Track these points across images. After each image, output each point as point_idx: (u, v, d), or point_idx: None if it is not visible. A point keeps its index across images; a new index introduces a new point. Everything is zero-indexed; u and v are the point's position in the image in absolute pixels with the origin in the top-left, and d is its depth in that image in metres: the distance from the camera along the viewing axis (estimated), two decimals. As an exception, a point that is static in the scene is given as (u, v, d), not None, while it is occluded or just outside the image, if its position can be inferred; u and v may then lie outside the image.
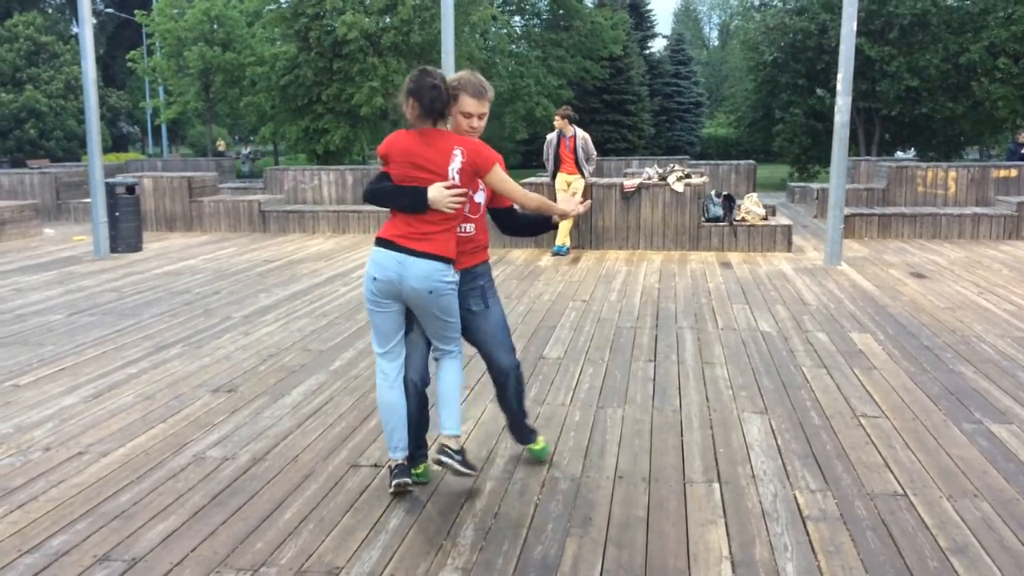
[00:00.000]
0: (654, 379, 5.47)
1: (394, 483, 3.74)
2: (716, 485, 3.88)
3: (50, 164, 23.85)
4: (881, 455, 4.19)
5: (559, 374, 5.59)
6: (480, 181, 3.72)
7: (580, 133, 10.56)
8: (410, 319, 3.82)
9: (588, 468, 4.09)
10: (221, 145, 34.52)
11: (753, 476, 3.96)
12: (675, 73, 43.19)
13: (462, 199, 3.60)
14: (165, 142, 36.92)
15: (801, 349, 6.12)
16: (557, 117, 10.53)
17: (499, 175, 3.66)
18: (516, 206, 3.95)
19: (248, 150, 33.60)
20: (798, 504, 3.67)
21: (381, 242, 3.66)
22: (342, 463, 4.18)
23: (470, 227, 3.80)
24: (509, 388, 4.00)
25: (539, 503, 3.73)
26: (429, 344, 3.89)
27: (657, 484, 3.89)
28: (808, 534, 3.40)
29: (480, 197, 3.83)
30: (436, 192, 3.54)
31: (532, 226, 4.07)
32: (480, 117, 3.69)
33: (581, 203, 3.91)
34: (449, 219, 3.61)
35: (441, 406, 3.82)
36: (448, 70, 10.10)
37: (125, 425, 4.70)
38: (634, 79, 37.56)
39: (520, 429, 4.16)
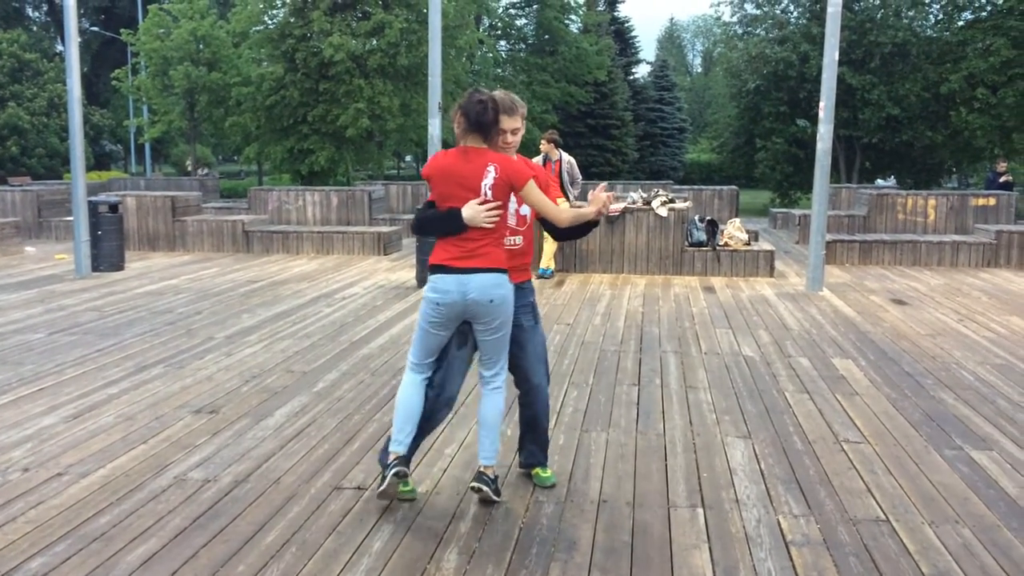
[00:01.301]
0: (638, 403, 5.48)
1: (392, 473, 3.77)
2: (700, 510, 3.88)
3: (31, 182, 23.72)
4: (863, 480, 4.21)
5: (543, 397, 5.58)
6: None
7: (565, 157, 10.63)
8: (463, 336, 3.92)
9: (572, 492, 4.08)
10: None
11: (737, 501, 3.97)
12: (659, 99, 43.67)
13: (497, 213, 3.72)
14: (148, 161, 36.78)
15: (784, 374, 6.16)
16: (543, 141, 10.60)
17: (533, 191, 3.79)
18: None
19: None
20: (781, 529, 3.68)
21: (437, 268, 3.78)
22: (325, 485, 4.15)
23: (518, 239, 3.94)
24: (542, 404, 4.16)
25: (523, 527, 3.72)
26: (467, 368, 4.00)
27: (641, 508, 3.89)
28: (792, 559, 3.40)
29: (526, 210, 3.95)
30: (470, 211, 3.68)
31: (579, 228, 4.10)
32: (513, 132, 3.84)
33: (608, 198, 3.93)
34: (491, 233, 3.75)
35: (484, 435, 3.93)
36: (435, 93, 10.17)
37: (105, 446, 4.65)
38: (618, 104, 37.92)
39: (543, 448, 4.23)
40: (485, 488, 3.87)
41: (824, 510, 3.87)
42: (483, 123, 3.69)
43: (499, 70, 32.95)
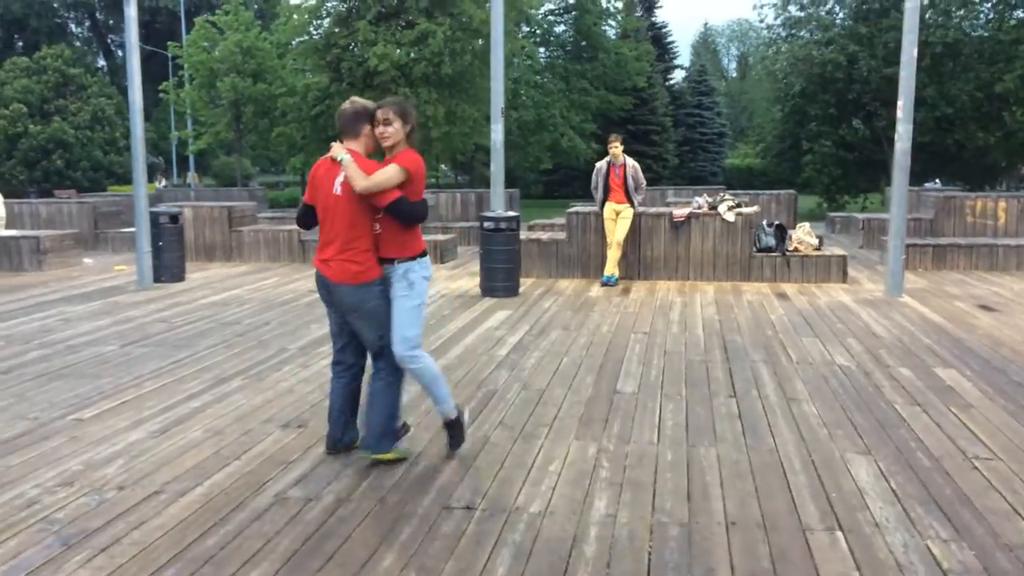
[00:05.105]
0: (740, 416, 5.23)
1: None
2: (839, 533, 3.63)
3: (76, 194, 23.94)
4: (1007, 501, 3.92)
5: (639, 410, 5.36)
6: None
7: (630, 162, 10.40)
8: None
9: (695, 512, 3.85)
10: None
11: (876, 524, 3.71)
12: (697, 104, 43.21)
13: None
14: (192, 173, 37.12)
15: (887, 385, 5.87)
16: (614, 143, 10.33)
17: None
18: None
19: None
20: (933, 555, 3.42)
21: (425, 252, 4.46)
22: (433, 505, 3.96)
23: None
24: None
25: (652, 551, 3.50)
26: None
27: (774, 531, 3.65)
28: (957, 589, 3.14)
29: None
30: None
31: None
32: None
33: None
34: None
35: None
36: (498, 98, 10.00)
37: (199, 462, 4.50)
38: (658, 110, 37.54)
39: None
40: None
41: (974, 535, 3.60)
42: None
43: (538, 77, 32.70)
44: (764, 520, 3.76)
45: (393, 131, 4.24)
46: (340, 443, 4.58)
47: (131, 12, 9.79)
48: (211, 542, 3.59)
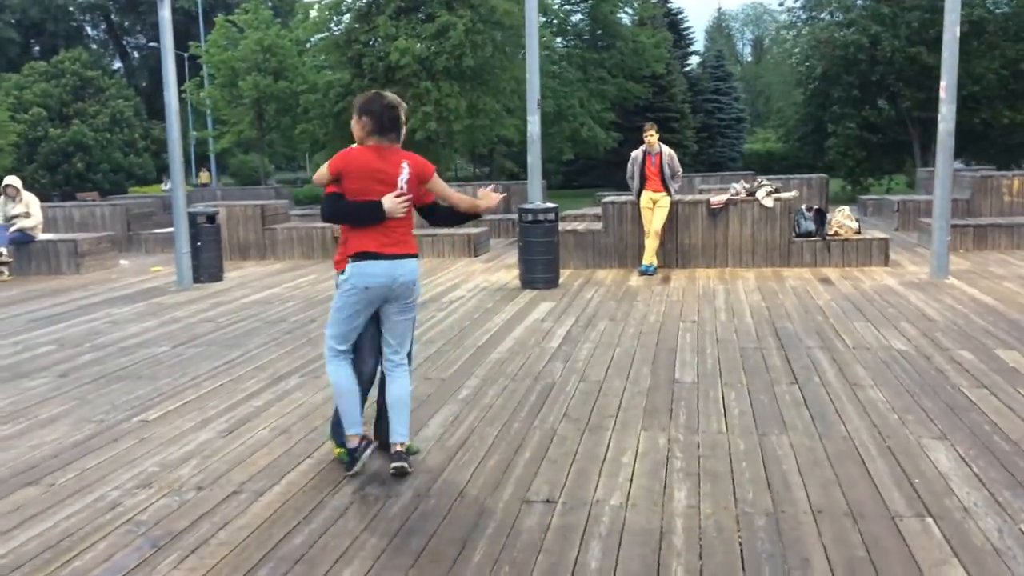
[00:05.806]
0: (806, 403, 5.19)
1: (369, 452, 4.30)
2: (929, 520, 3.59)
3: (99, 197, 24.09)
4: (1097, 483, 3.87)
5: (701, 399, 5.33)
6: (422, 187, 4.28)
7: (666, 150, 10.34)
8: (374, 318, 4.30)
9: (779, 502, 3.82)
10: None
11: (965, 509, 3.67)
12: (715, 89, 42.91)
13: (408, 203, 4.18)
14: (215, 172, 37.30)
15: (949, 368, 5.81)
16: (650, 132, 10.25)
17: (439, 181, 4.37)
18: (440, 201, 4.51)
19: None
20: (1030, 540, 3.38)
21: (366, 255, 4.07)
22: (512, 499, 3.95)
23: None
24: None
25: (743, 542, 3.47)
26: (379, 347, 4.36)
27: (863, 520, 3.62)
28: (1062, 574, 3.10)
29: None
30: (389, 203, 4.08)
31: (456, 216, 4.56)
32: None
33: (497, 199, 4.46)
34: (405, 222, 4.19)
35: (399, 415, 4.28)
36: (534, 90, 9.96)
37: (271, 461, 4.52)
38: (676, 97, 37.30)
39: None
40: (406, 465, 4.20)
41: (1068, 518, 3.55)
42: (396, 128, 4.15)
43: (555, 67, 32.55)
44: (851, 508, 3.73)
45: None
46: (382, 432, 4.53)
47: (165, 14, 9.81)
48: (298, 540, 3.60)
